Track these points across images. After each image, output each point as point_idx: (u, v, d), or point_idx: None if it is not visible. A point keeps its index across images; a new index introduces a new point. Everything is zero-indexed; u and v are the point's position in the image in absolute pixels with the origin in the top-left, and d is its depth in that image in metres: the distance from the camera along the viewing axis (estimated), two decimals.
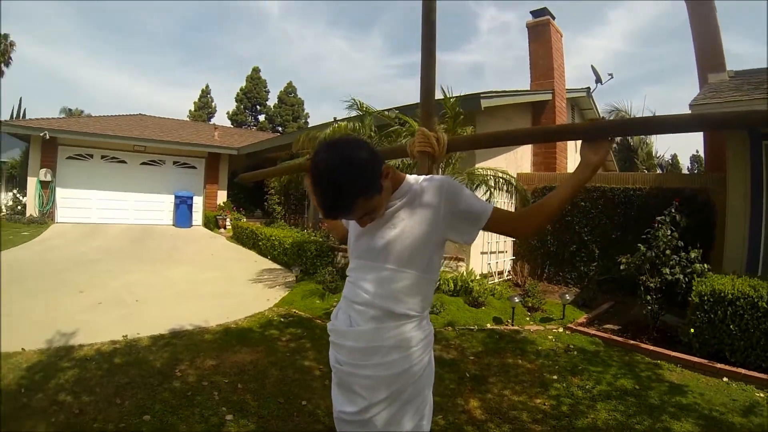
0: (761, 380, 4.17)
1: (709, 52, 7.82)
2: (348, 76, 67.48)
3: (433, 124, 1.67)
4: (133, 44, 63.83)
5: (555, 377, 4.17)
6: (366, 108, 6.46)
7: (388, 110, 6.84)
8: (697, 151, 23.79)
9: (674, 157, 22.91)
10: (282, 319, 5.57)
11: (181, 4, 61.95)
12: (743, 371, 4.31)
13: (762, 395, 3.99)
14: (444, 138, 1.64)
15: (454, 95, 5.39)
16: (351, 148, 1.29)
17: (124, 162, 14.04)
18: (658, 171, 18.78)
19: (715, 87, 6.70)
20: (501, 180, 6.17)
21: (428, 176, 1.45)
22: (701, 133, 8.35)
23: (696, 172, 20.53)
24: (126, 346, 4.36)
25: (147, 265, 8.28)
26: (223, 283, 7.37)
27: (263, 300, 6.41)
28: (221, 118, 36.82)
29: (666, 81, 51.26)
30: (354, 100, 6.37)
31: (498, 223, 1.41)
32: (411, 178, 1.46)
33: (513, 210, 6.39)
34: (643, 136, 19.25)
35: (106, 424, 2.97)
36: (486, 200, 5.50)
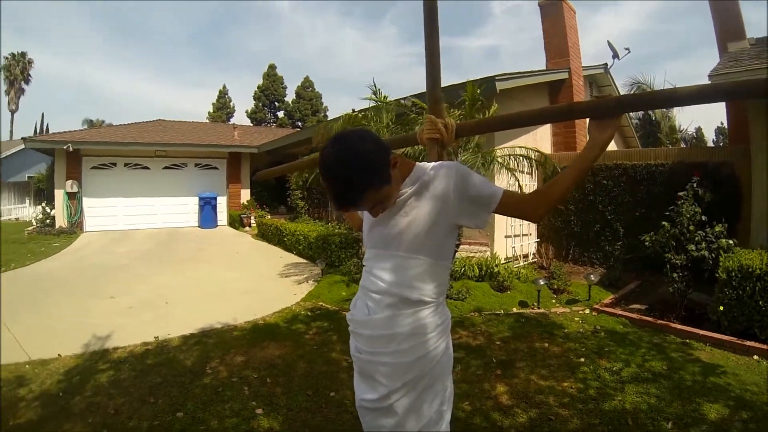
0: None
1: (728, 21, 7.56)
2: (363, 66, 67.40)
3: (442, 111, 1.67)
4: (149, 48, 65.01)
5: (582, 360, 4.15)
6: (383, 98, 6.44)
7: (404, 99, 6.79)
8: (722, 123, 23.19)
9: (698, 130, 22.36)
10: (309, 313, 5.65)
11: (192, 5, 62.59)
12: None
13: None
14: (452, 124, 1.65)
15: (470, 80, 5.35)
16: (356, 141, 1.31)
17: (147, 168, 14.34)
18: (682, 145, 18.28)
19: (736, 56, 6.48)
20: (522, 158, 6.11)
21: (437, 163, 1.47)
22: (725, 105, 8.10)
23: (721, 144, 19.91)
24: (157, 347, 4.49)
25: (174, 267, 8.47)
26: (250, 281, 7.49)
27: (290, 295, 6.50)
28: (240, 117, 37.38)
29: (685, 56, 49.91)
30: (372, 89, 6.33)
31: (508, 206, 1.42)
32: (420, 165, 1.47)
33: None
34: (665, 110, 18.80)
35: (140, 422, 3.08)
36: (506, 182, 5.44)
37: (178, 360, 4.16)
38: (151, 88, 64.88)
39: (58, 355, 4.24)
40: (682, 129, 19.76)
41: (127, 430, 3.01)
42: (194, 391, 3.51)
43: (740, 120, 7.00)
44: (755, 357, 4.20)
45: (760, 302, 4.36)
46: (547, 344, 4.58)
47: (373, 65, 69.11)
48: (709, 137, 23.46)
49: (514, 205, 1.44)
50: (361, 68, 70.15)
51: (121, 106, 62.84)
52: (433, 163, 1.47)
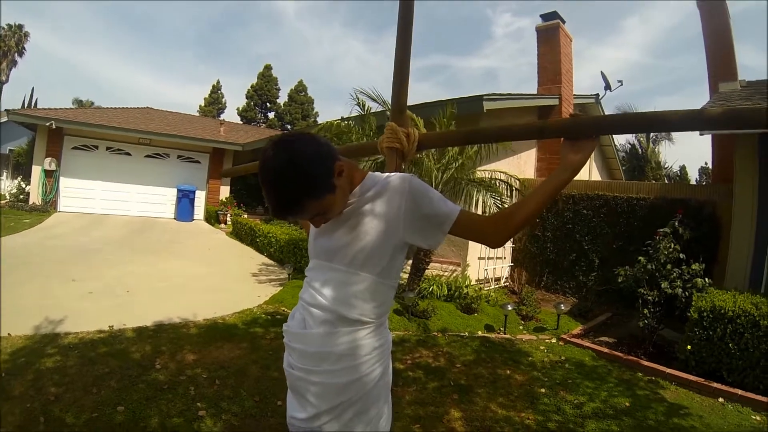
0: (758, 402, 4.01)
1: (721, 61, 7.67)
2: (363, 77, 67.70)
3: (405, 120, 1.56)
4: (150, 39, 64.50)
5: (544, 390, 4.04)
6: (368, 106, 6.34)
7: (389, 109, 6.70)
8: (706, 163, 23.54)
9: (683, 168, 22.66)
10: (269, 317, 5.50)
11: (202, 4, 62.29)
12: (740, 392, 4.14)
13: (758, 418, 3.84)
14: (415, 134, 1.53)
15: (454, 98, 5.29)
16: (299, 146, 1.21)
17: (128, 154, 14.02)
18: (666, 181, 18.53)
19: (726, 96, 6.54)
20: (500, 182, 6.04)
21: (391, 174, 1.35)
22: (711, 144, 8.18)
23: (704, 183, 20.20)
24: (110, 337, 4.31)
25: (144, 257, 8.23)
26: (217, 278, 7.31)
27: (254, 297, 6.34)
28: (231, 114, 37.13)
29: (676, 92, 50.77)
30: (355, 98, 6.21)
31: (464, 228, 1.31)
32: (373, 175, 1.36)
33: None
34: (653, 146, 19.06)
35: (79, 412, 2.93)
36: (473, 204, 5.35)
37: (129, 352, 3.99)
38: (146, 80, 64.16)
39: (8, 334, 4.04)
40: (667, 165, 20.10)
41: (64, 419, 2.85)
42: (139, 386, 3.36)
43: (725, 160, 7.08)
44: (720, 399, 4.15)
45: (731, 344, 4.32)
46: (509, 371, 4.47)
47: (374, 77, 69.46)
48: (693, 176, 23.82)
49: (471, 227, 1.32)
50: (359, 79, 70.31)
51: (114, 93, 61.90)
52: (386, 174, 1.36)
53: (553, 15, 10.07)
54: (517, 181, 6.35)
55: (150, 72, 67.02)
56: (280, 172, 1.17)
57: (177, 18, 64.46)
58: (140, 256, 8.32)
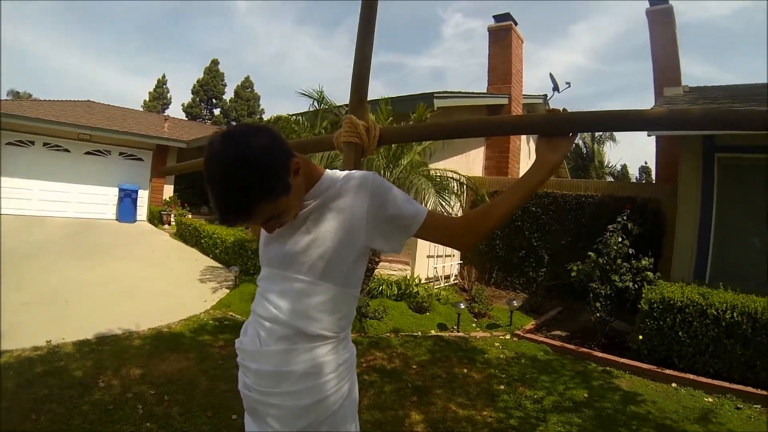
0: (709, 385, 4.25)
1: (667, 68, 8.04)
2: (312, 74, 66.63)
3: (365, 112, 1.44)
4: (96, 29, 60.75)
5: (503, 387, 4.05)
6: (322, 100, 6.13)
7: (346, 105, 6.46)
8: (646, 163, 24.72)
9: (624, 167, 23.66)
10: (217, 323, 5.27)
11: None
12: (692, 377, 4.38)
13: (710, 400, 4.04)
14: (376, 128, 1.42)
15: (406, 95, 5.20)
16: (250, 140, 1.04)
17: (67, 151, 13.08)
18: (610, 179, 19.33)
19: (670, 100, 6.85)
20: (452, 180, 6.01)
21: (351, 172, 1.22)
22: (653, 145, 8.60)
23: (644, 181, 21.22)
24: (49, 353, 3.97)
25: (84, 262, 7.67)
26: (161, 283, 6.95)
27: (200, 302, 6.07)
28: (176, 110, 35.40)
29: (621, 98, 53.03)
30: (305, 93, 5.98)
31: (432, 230, 1.21)
32: (330, 173, 1.23)
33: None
34: (597, 145, 19.84)
35: None
36: (424, 203, 5.32)
37: (70, 369, 3.68)
38: (88, 68, 60.11)
39: None
40: (610, 164, 20.98)
41: None
42: (83, 408, 3.09)
43: (670, 161, 7.46)
44: (673, 384, 4.35)
45: (680, 333, 4.54)
46: (466, 370, 4.45)
47: (325, 73, 68.50)
48: (634, 174, 24.94)
49: (440, 229, 1.22)
50: (308, 75, 69.17)
51: (53, 83, 57.68)
52: (345, 172, 1.22)
53: (506, 16, 10.21)
54: (464, 178, 6.32)
55: (92, 61, 62.95)
56: (229, 170, 1.00)
57: (122, 5, 60.89)
58: (80, 261, 7.76)
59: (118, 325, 4.77)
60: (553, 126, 1.18)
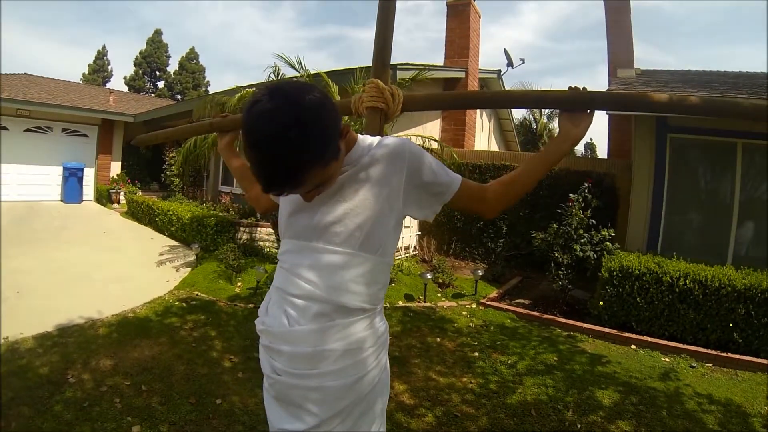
0: (665, 347, 4.59)
1: (621, 49, 8.33)
2: (257, 46, 63.97)
3: (388, 77, 1.41)
4: None
5: (477, 354, 4.19)
6: (282, 73, 5.89)
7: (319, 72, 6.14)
8: (591, 139, 25.84)
9: None
10: (184, 304, 5.08)
11: None
12: (649, 339, 4.71)
13: (667, 360, 4.37)
14: (400, 93, 1.39)
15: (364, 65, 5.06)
16: (304, 96, 0.95)
17: (5, 128, 12.02)
18: None
19: (625, 81, 7.14)
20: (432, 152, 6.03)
21: (384, 138, 1.18)
22: (601, 123, 9.02)
23: (590, 157, 22.15)
24: (8, 351, 3.63)
25: (32, 249, 7.15)
26: (118, 266, 6.60)
27: (162, 282, 5.85)
28: (118, 83, 33.27)
29: (570, 75, 54.33)
30: (285, 58, 5.68)
31: (463, 199, 1.20)
32: (364, 139, 1.18)
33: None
34: (546, 121, 20.50)
35: None
36: None
37: (34, 367, 3.38)
38: (18, 39, 54.77)
39: None
40: None
41: None
42: (55, 409, 2.83)
43: (621, 138, 7.80)
44: (633, 346, 4.67)
45: (638, 299, 4.85)
46: (439, 339, 4.57)
47: (270, 46, 65.99)
48: (579, 150, 25.99)
49: (471, 198, 1.22)
50: (252, 47, 66.52)
51: None
52: (377, 138, 1.18)
53: None
54: (449, 148, 6.37)
55: (24, 31, 57.37)
56: (283, 130, 0.90)
57: None
58: (27, 247, 7.21)
59: (78, 313, 4.48)
60: (576, 102, 1.24)
